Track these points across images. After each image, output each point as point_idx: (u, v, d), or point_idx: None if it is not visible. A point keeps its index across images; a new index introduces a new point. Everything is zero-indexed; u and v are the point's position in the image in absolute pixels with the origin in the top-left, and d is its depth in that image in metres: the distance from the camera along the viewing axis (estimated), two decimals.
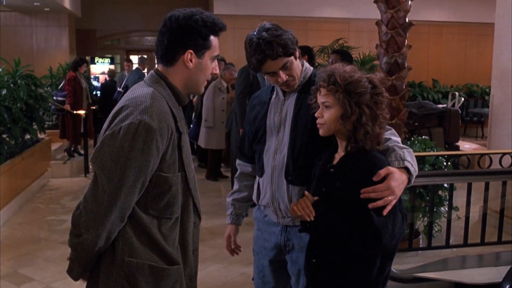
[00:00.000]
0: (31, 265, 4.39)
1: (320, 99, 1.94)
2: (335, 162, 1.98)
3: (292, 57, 2.13)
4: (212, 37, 1.74)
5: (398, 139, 2.02)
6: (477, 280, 3.47)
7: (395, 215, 1.84)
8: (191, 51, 1.70)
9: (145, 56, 11.01)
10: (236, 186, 2.50)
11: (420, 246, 4.43)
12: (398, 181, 1.83)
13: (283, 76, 2.13)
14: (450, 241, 4.14)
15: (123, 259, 1.67)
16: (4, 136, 5.93)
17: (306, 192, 1.98)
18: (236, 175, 2.52)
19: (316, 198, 1.92)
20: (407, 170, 1.89)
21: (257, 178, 2.35)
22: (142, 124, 1.56)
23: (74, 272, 1.76)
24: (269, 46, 2.05)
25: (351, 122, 1.88)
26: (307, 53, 4.88)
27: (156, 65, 1.80)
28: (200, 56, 1.73)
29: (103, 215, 1.59)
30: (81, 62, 8.41)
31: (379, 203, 1.79)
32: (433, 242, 4.14)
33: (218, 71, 1.83)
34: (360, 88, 1.87)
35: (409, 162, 1.90)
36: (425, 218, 4.34)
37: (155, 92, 1.68)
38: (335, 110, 1.89)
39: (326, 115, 1.92)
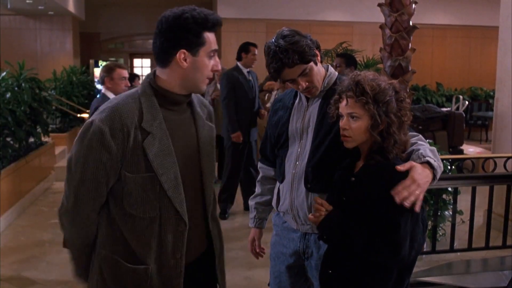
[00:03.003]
0: (35, 268, 4.39)
1: (346, 109, 1.85)
2: (356, 170, 1.92)
3: (311, 64, 2.07)
4: (205, 33, 1.71)
5: (426, 144, 1.96)
6: (481, 285, 3.46)
7: (416, 225, 1.79)
8: (184, 50, 1.68)
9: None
10: (258, 190, 2.47)
11: (424, 250, 4.41)
12: (421, 174, 1.77)
13: (302, 83, 2.08)
14: (455, 245, 4.13)
15: (100, 251, 1.79)
16: (8, 139, 5.95)
17: (317, 199, 1.94)
18: (258, 179, 2.49)
19: (330, 207, 1.89)
20: (429, 165, 1.83)
21: (277, 183, 2.32)
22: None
23: (71, 268, 1.93)
24: (285, 54, 2.00)
25: (377, 133, 1.81)
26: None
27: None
28: (195, 54, 1.70)
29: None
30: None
31: (408, 197, 1.72)
32: (437, 246, 4.13)
33: (219, 68, 1.79)
34: (387, 96, 1.80)
35: (430, 157, 1.84)
36: (429, 222, 4.33)
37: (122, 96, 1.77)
38: (363, 121, 1.81)
39: (354, 127, 1.83)
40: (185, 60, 1.69)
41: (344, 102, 1.85)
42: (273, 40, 2.06)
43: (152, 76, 1.77)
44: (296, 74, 2.06)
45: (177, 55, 1.68)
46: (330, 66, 2.23)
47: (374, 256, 1.80)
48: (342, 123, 1.86)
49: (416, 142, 1.96)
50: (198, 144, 1.83)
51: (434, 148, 1.92)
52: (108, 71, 4.28)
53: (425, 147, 1.92)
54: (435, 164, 1.84)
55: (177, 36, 1.67)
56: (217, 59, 1.78)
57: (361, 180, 1.85)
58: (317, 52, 2.11)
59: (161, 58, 1.72)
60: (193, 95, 1.86)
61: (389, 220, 1.74)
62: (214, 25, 1.73)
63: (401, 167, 1.76)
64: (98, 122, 1.63)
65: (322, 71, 2.16)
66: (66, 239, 1.86)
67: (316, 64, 2.10)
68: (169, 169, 1.71)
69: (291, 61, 2.01)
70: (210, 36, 1.72)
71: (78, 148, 1.67)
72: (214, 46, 1.74)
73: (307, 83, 2.09)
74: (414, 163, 1.79)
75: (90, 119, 1.68)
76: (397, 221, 1.73)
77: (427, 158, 1.84)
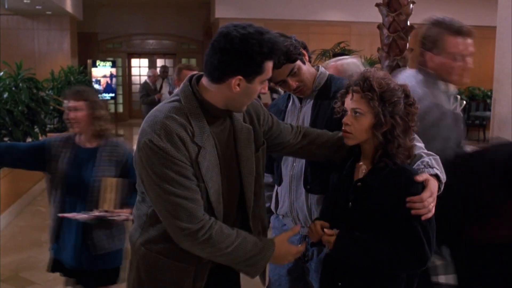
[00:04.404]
0: (33, 268, 4.38)
1: (351, 104, 1.78)
2: (359, 174, 1.84)
3: (298, 63, 2.07)
4: (267, 63, 1.64)
5: (422, 145, 1.94)
6: None
7: (432, 230, 1.74)
8: (241, 77, 1.62)
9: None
10: None
11: None
12: (435, 187, 1.74)
13: (292, 83, 2.08)
14: None
15: (139, 248, 1.80)
16: (6, 139, 5.94)
17: (317, 222, 1.87)
18: None
19: (335, 230, 1.80)
20: (436, 177, 1.79)
21: (275, 187, 2.31)
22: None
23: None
24: None
25: (381, 133, 1.75)
26: None
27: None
28: (250, 82, 1.64)
29: None
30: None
31: (423, 211, 1.68)
32: None
33: (266, 91, 1.74)
34: (395, 97, 1.73)
35: (437, 169, 1.81)
36: None
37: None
38: (367, 118, 1.74)
39: (356, 124, 1.76)
40: (239, 85, 1.63)
41: (349, 97, 1.79)
42: None
43: (196, 85, 1.71)
44: (285, 74, 2.06)
45: (233, 80, 1.62)
46: (320, 66, 2.23)
47: (400, 270, 1.76)
48: (345, 118, 1.80)
49: (415, 145, 1.91)
50: (236, 150, 1.80)
51: (437, 157, 1.88)
52: (177, 73, 4.50)
53: (428, 153, 1.88)
54: (441, 177, 1.81)
55: (238, 62, 1.60)
56: (265, 82, 1.72)
57: (370, 185, 1.77)
58: (304, 52, 2.11)
59: (215, 75, 1.64)
60: None
61: (412, 231, 1.69)
62: (277, 55, 1.68)
63: (419, 178, 1.72)
64: (157, 142, 1.59)
65: (312, 70, 2.16)
66: (225, 260, 1.74)
67: (304, 63, 2.10)
68: (216, 181, 1.71)
69: (277, 61, 1.98)
70: (269, 65, 1.66)
71: (151, 171, 1.61)
72: (270, 74, 1.69)
73: (297, 83, 2.09)
74: (428, 176, 1.75)
75: (146, 138, 1.61)
76: (419, 231, 1.69)
77: (436, 171, 1.80)
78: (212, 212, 1.71)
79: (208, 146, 1.68)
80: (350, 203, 1.81)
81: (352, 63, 2.30)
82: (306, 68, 2.12)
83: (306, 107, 2.17)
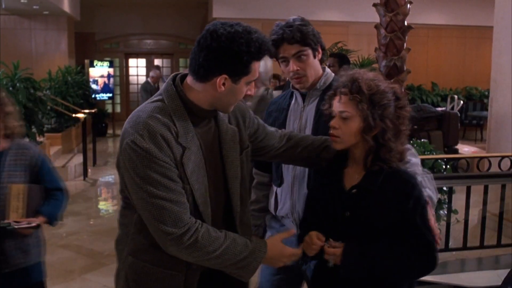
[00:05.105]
0: None
1: (338, 107, 1.72)
2: (351, 181, 1.75)
3: (310, 50, 2.07)
4: (254, 63, 1.60)
5: (418, 161, 1.93)
6: (476, 283, 3.47)
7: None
8: (226, 76, 1.58)
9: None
10: (253, 196, 2.41)
11: None
12: None
13: (293, 65, 2.07)
14: (449, 244, 4.14)
15: (126, 258, 1.74)
16: None
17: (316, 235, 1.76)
18: (253, 184, 2.43)
19: (337, 243, 1.71)
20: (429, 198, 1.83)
21: (274, 188, 2.28)
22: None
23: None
24: (289, 29, 2.03)
25: (371, 137, 1.69)
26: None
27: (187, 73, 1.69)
28: (236, 82, 1.61)
29: None
30: None
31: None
32: None
33: (252, 92, 1.70)
34: (385, 99, 1.67)
35: (430, 189, 1.83)
36: None
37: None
38: (355, 122, 1.68)
39: (344, 127, 1.70)
40: (224, 84, 1.59)
41: (337, 99, 1.73)
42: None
43: (180, 85, 1.66)
44: (291, 53, 2.06)
45: (218, 79, 1.58)
46: (327, 67, 2.23)
47: (413, 276, 1.76)
48: (332, 121, 1.74)
49: (410, 160, 1.88)
50: (221, 152, 1.75)
51: (430, 176, 1.88)
52: None
53: (424, 176, 1.87)
54: (434, 198, 1.85)
55: (224, 61, 1.56)
56: (253, 84, 1.68)
57: (367, 191, 1.70)
58: (320, 50, 2.13)
59: (200, 73, 1.60)
60: None
61: (421, 236, 1.67)
62: (265, 55, 1.62)
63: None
64: (140, 143, 1.53)
65: (319, 69, 2.16)
66: (214, 264, 1.64)
67: (314, 57, 2.11)
68: (202, 183, 1.67)
69: (292, 36, 2.01)
70: (256, 65, 1.62)
71: (134, 174, 1.56)
72: (256, 75, 1.64)
73: (298, 68, 2.08)
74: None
75: (128, 139, 1.56)
76: (427, 235, 1.68)
77: (429, 192, 1.82)
78: (199, 215, 1.66)
79: (193, 147, 1.63)
80: (348, 212, 1.72)
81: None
82: (314, 63, 2.12)
83: (310, 106, 2.16)
